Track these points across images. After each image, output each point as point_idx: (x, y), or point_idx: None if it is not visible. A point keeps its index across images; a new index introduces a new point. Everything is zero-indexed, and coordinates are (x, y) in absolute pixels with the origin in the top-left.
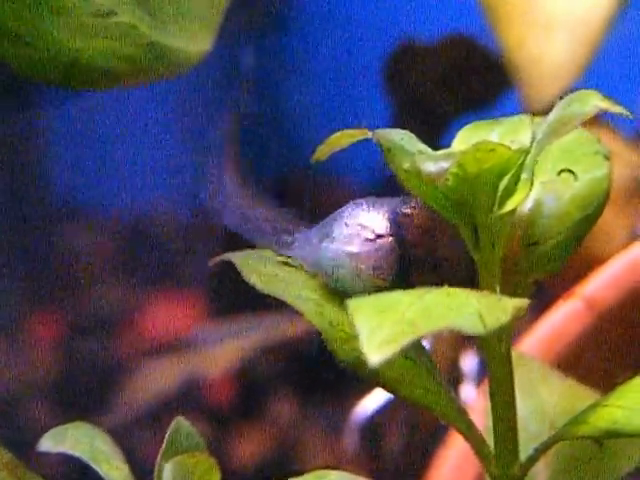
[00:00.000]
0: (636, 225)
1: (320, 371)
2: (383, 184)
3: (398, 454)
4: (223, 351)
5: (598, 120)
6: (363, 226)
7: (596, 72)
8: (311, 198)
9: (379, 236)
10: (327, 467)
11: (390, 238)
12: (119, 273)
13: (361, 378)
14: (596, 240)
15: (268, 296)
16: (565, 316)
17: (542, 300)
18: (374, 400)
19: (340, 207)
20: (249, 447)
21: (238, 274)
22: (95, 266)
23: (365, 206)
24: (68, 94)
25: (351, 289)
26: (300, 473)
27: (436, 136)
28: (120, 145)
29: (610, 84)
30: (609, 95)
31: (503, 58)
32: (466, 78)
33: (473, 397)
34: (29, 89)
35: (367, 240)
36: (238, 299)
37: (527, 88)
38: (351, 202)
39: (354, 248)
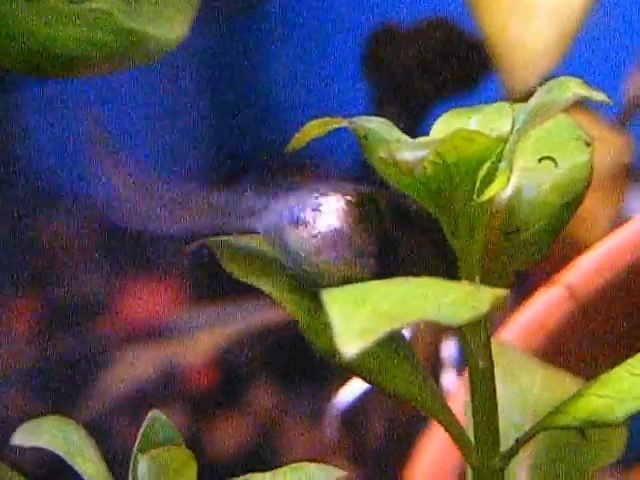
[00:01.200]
0: (620, 212)
1: (301, 358)
2: (365, 167)
3: (379, 442)
4: (202, 338)
5: (580, 106)
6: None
7: (578, 57)
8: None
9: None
10: (306, 458)
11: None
12: (97, 261)
13: (340, 367)
14: (580, 227)
15: (247, 283)
16: (546, 304)
17: (525, 288)
18: (354, 388)
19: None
20: (229, 435)
21: (218, 261)
22: (73, 253)
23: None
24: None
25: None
26: (279, 464)
27: (416, 121)
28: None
29: (591, 68)
30: (590, 80)
31: (484, 42)
32: (446, 62)
33: (454, 385)
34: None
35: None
36: (218, 286)
37: (508, 73)
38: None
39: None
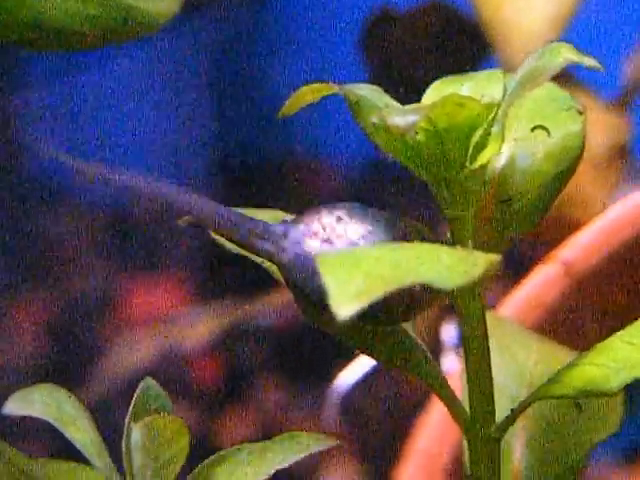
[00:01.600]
0: (616, 190)
1: (306, 353)
2: (369, 168)
3: (378, 425)
4: (202, 325)
5: (579, 85)
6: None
7: (576, 37)
8: (293, 177)
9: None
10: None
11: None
12: (102, 257)
13: (334, 338)
14: (576, 205)
15: (252, 281)
16: (543, 281)
17: (521, 266)
18: (353, 373)
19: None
20: (234, 430)
21: (223, 257)
22: (78, 249)
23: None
24: (47, 74)
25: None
26: None
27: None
28: (102, 125)
29: (590, 50)
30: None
31: (481, 24)
32: (444, 45)
33: (455, 367)
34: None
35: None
36: (224, 283)
37: (506, 54)
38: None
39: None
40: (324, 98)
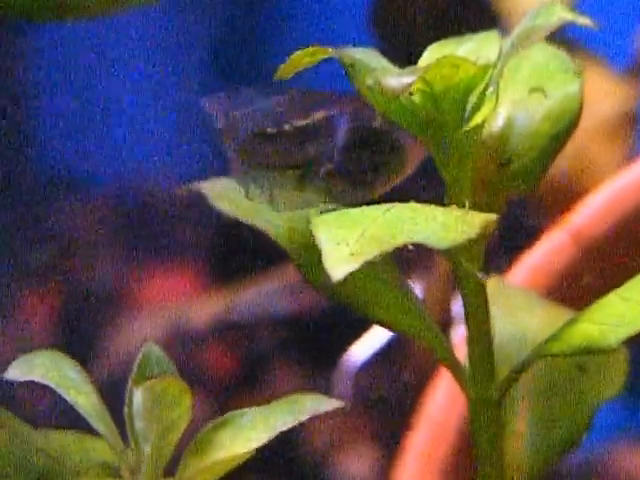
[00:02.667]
0: (624, 159)
1: (322, 341)
2: None
3: (391, 402)
4: (209, 304)
5: (588, 54)
6: None
7: (588, 9)
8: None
9: None
10: (329, 439)
11: None
12: (113, 246)
13: (334, 301)
14: (586, 176)
15: (266, 268)
16: (550, 249)
17: (531, 237)
18: (363, 348)
19: None
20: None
21: (235, 244)
22: (90, 239)
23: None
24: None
25: None
26: (302, 446)
27: None
28: (113, 115)
29: (602, 20)
30: (601, 32)
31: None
32: (453, 16)
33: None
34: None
35: None
36: (237, 272)
37: (514, 25)
38: None
39: None
40: (326, 61)
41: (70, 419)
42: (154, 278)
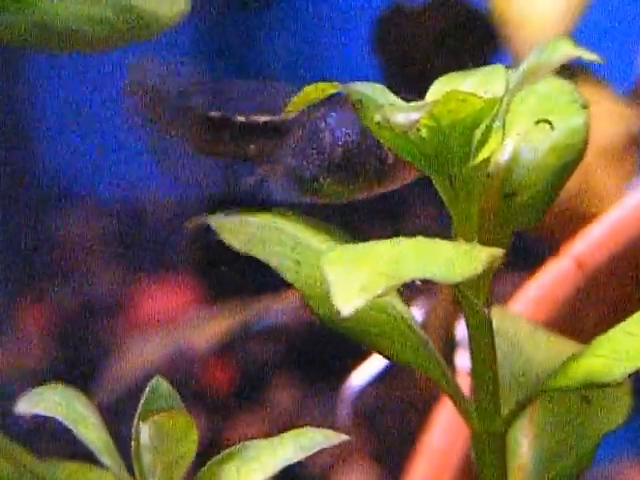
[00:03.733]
0: (629, 183)
1: (320, 355)
2: None
3: (392, 425)
4: (212, 325)
5: (593, 77)
6: None
7: (590, 30)
8: None
9: None
10: (328, 454)
11: None
12: (112, 259)
13: (342, 334)
14: (590, 197)
15: (262, 282)
16: (555, 276)
17: (535, 260)
18: (366, 372)
19: None
20: (249, 433)
21: (232, 259)
22: (88, 252)
23: None
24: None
25: None
26: (300, 463)
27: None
28: (110, 125)
29: (604, 42)
30: (603, 54)
31: (492, 17)
32: (456, 39)
33: (468, 364)
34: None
35: None
36: (232, 284)
37: (518, 47)
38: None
39: None
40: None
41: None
42: (151, 291)
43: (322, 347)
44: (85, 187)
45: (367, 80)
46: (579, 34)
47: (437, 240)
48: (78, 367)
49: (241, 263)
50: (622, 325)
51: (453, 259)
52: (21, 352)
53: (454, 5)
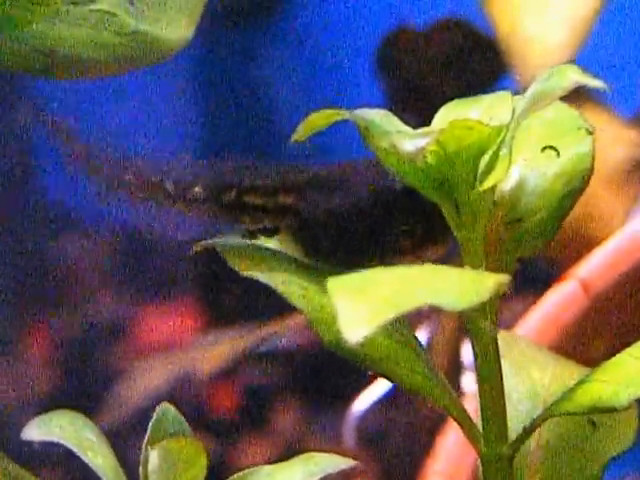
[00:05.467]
0: (634, 206)
1: (324, 379)
2: None
3: (397, 449)
4: (216, 350)
5: (597, 102)
6: None
7: (594, 53)
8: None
9: None
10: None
11: None
12: (114, 284)
13: (347, 360)
14: (595, 221)
15: (264, 307)
16: (561, 299)
17: (540, 283)
18: (370, 395)
19: None
20: (254, 458)
21: (234, 284)
22: (89, 277)
23: None
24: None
25: None
26: None
27: (431, 122)
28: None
29: (608, 66)
30: (607, 78)
31: (498, 39)
32: (461, 62)
33: (474, 388)
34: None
35: None
36: (235, 310)
37: (523, 70)
38: None
39: None
40: (334, 102)
41: None
42: (154, 315)
43: (326, 371)
44: (89, 213)
45: (370, 102)
46: (582, 59)
47: (444, 267)
48: (81, 392)
49: (243, 289)
50: (629, 350)
51: (460, 286)
52: (24, 377)
53: (458, 28)
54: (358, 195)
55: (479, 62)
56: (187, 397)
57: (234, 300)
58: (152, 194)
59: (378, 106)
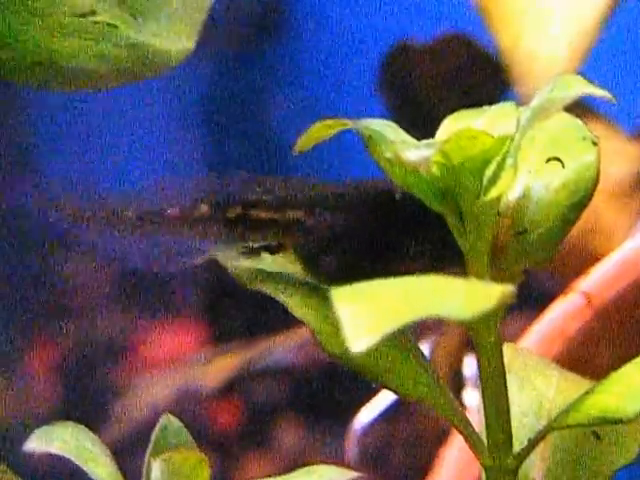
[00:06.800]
0: (636, 220)
1: (325, 395)
2: None
3: (399, 463)
4: (218, 366)
5: (598, 116)
6: None
7: (596, 68)
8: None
9: None
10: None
11: None
12: (116, 303)
13: (350, 371)
14: (598, 236)
15: (265, 323)
16: (565, 312)
17: (543, 297)
18: (373, 409)
19: None
20: (256, 474)
21: (237, 302)
22: (92, 296)
23: None
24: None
25: None
26: None
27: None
28: (112, 169)
29: (609, 80)
30: (607, 89)
31: (500, 54)
32: (463, 78)
33: (475, 401)
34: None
35: None
36: (236, 326)
37: (525, 85)
38: None
39: None
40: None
41: None
42: (155, 332)
43: (329, 386)
44: (90, 231)
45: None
46: (583, 72)
47: (449, 277)
48: (84, 408)
49: (244, 305)
50: (635, 362)
51: (465, 297)
52: (28, 393)
53: (461, 43)
54: (365, 213)
55: (481, 77)
56: (189, 413)
57: (235, 316)
58: (153, 225)
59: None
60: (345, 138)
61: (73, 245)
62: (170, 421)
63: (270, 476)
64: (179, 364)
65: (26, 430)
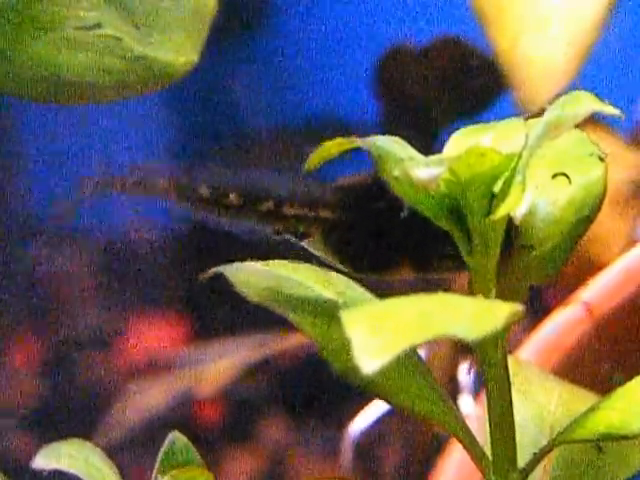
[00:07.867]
0: (635, 229)
1: (310, 390)
2: None
3: (394, 470)
4: (214, 369)
5: (596, 122)
6: None
7: (592, 73)
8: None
9: None
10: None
11: None
12: (101, 297)
13: (356, 388)
14: (595, 245)
15: (253, 315)
16: (564, 323)
17: (542, 307)
18: (367, 417)
19: None
20: (239, 471)
21: (222, 295)
22: (77, 290)
23: None
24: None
25: None
26: None
27: (429, 141)
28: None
29: (606, 85)
30: (605, 97)
31: (497, 58)
32: (459, 81)
33: (471, 409)
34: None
35: None
36: (223, 321)
37: (522, 89)
38: None
39: None
40: (330, 122)
41: None
42: (141, 328)
43: (324, 388)
44: (74, 222)
45: (365, 120)
46: (581, 77)
47: (458, 296)
48: (67, 403)
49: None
50: (639, 378)
51: (474, 315)
52: (9, 389)
53: (457, 46)
54: (397, 209)
55: (477, 80)
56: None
57: (221, 311)
58: (187, 198)
59: (374, 124)
60: None
61: (55, 238)
62: (177, 438)
63: (255, 473)
64: (169, 364)
65: (7, 428)
